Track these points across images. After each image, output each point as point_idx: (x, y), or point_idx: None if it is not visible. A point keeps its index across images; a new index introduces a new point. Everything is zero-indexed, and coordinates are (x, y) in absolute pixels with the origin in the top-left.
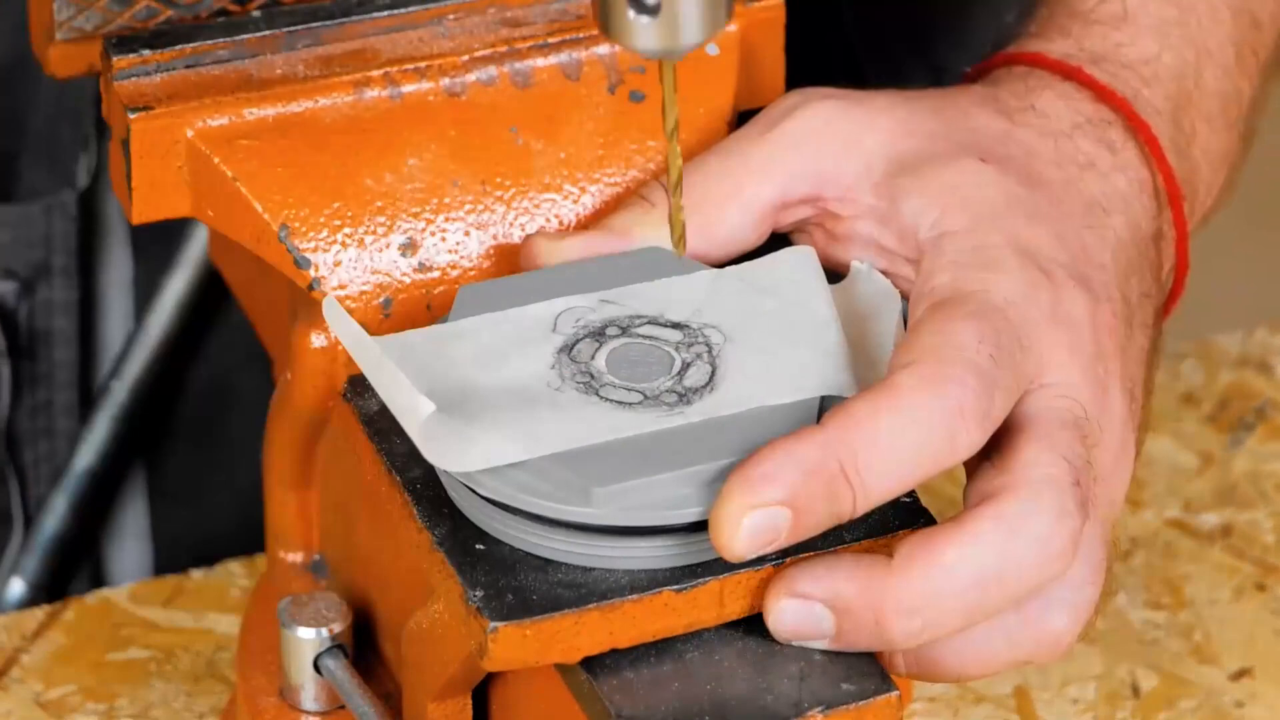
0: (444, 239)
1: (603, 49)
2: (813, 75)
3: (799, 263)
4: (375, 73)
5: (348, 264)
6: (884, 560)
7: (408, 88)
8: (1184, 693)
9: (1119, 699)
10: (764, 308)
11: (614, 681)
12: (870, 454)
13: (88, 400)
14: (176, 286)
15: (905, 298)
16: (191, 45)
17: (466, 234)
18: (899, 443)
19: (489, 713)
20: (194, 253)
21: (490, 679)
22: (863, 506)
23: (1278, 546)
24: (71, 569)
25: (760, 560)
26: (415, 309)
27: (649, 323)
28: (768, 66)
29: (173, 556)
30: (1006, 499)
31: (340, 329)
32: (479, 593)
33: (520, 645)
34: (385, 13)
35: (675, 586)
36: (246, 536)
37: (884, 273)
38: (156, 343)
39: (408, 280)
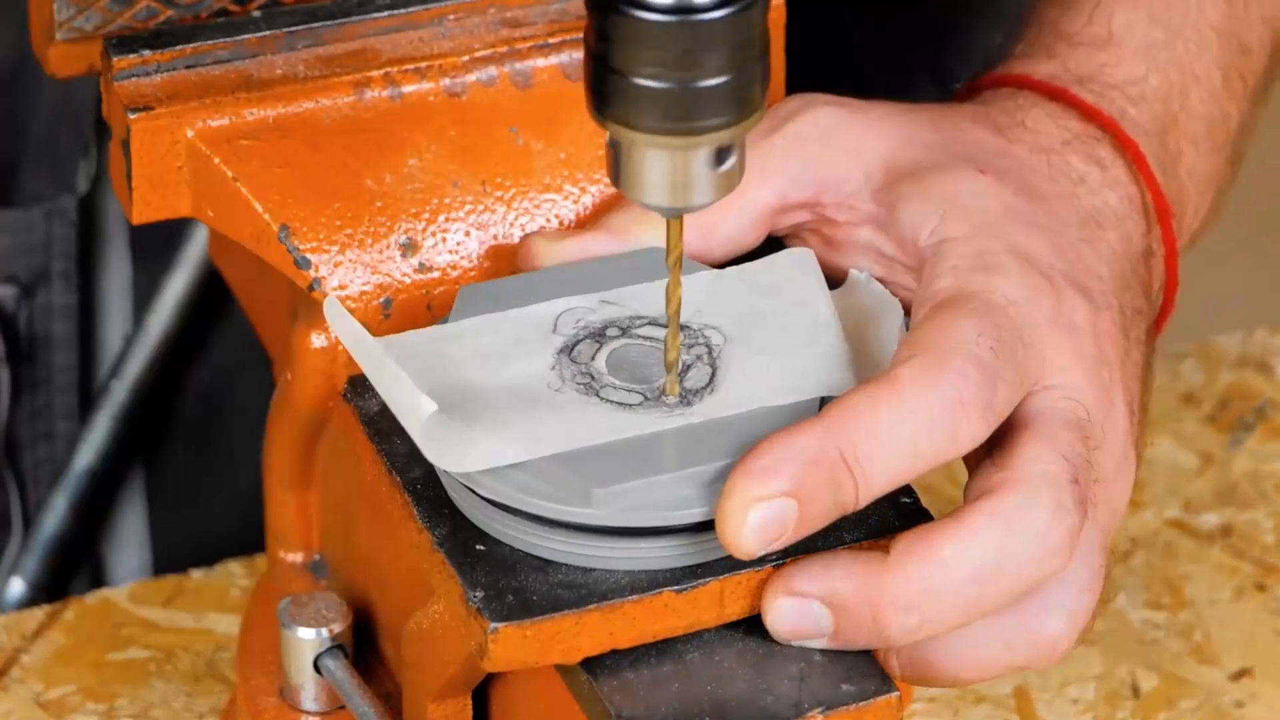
0: (444, 239)
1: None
2: (813, 78)
3: (799, 263)
4: (375, 73)
5: (348, 264)
6: (880, 556)
7: (408, 88)
8: (1184, 693)
9: (1119, 699)
10: (764, 308)
11: (614, 682)
12: (871, 444)
13: (87, 404)
14: (176, 287)
15: (905, 306)
16: (191, 45)
17: (466, 234)
18: (899, 433)
19: (489, 713)
20: (194, 253)
21: (490, 679)
22: (865, 497)
23: (1278, 546)
24: (71, 569)
25: (761, 560)
26: (415, 309)
27: (649, 323)
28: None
29: (171, 557)
30: (1004, 494)
31: (341, 329)
32: (479, 593)
33: (520, 646)
34: (385, 13)
35: (675, 587)
36: (245, 537)
37: (882, 280)
38: (156, 342)
39: (408, 280)
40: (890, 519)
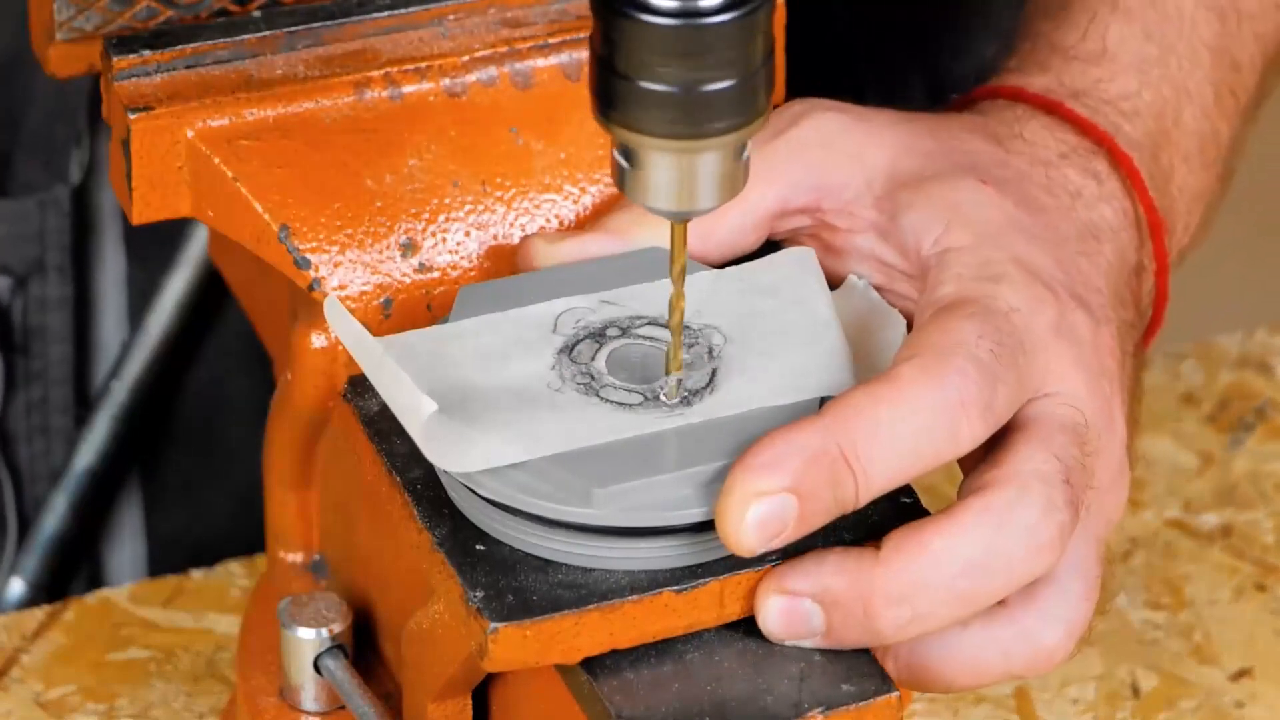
0: (444, 239)
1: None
2: (808, 79)
3: (799, 263)
4: (375, 73)
5: (348, 264)
6: (871, 552)
7: (408, 88)
8: (1184, 693)
9: (1119, 699)
10: (764, 308)
11: (614, 682)
12: (871, 442)
13: (83, 398)
14: (176, 286)
15: (907, 317)
16: (191, 45)
17: (466, 234)
18: (900, 431)
19: (489, 713)
20: (194, 253)
21: (490, 679)
22: (865, 495)
23: (1278, 546)
24: (71, 569)
25: (761, 559)
26: (415, 309)
27: (649, 323)
28: None
29: (170, 557)
30: (994, 491)
31: (342, 329)
32: (479, 593)
33: (520, 646)
34: (385, 13)
35: (675, 587)
36: (243, 537)
37: (880, 289)
38: (156, 343)
39: (408, 280)
40: (890, 519)
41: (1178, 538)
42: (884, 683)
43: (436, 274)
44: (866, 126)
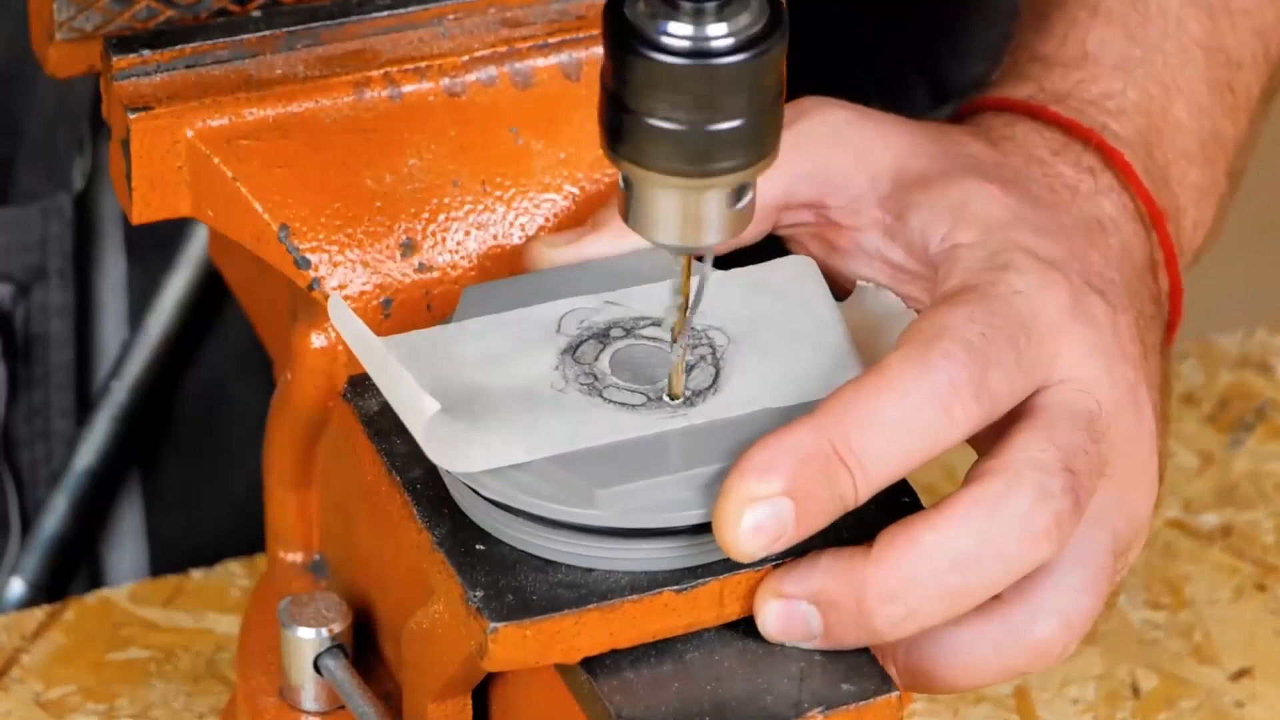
0: (444, 239)
1: (603, 49)
2: (806, 76)
3: (801, 268)
4: (375, 73)
5: (348, 264)
6: (864, 551)
7: (408, 88)
8: (1184, 693)
9: (1119, 699)
10: (767, 310)
11: (614, 682)
12: (864, 435)
13: (85, 404)
14: (176, 287)
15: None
16: (191, 45)
17: (466, 234)
18: (891, 419)
19: (489, 713)
20: (194, 253)
21: (490, 679)
22: (865, 489)
23: (1278, 546)
24: (71, 569)
25: (761, 560)
26: (415, 309)
27: (653, 324)
28: None
29: (169, 556)
30: (987, 481)
31: (345, 328)
32: (479, 593)
33: (520, 645)
34: (385, 13)
35: (675, 587)
36: (243, 537)
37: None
38: (156, 342)
39: (408, 280)
40: (890, 519)
41: (1178, 538)
42: (884, 682)
43: (436, 274)
44: (872, 125)
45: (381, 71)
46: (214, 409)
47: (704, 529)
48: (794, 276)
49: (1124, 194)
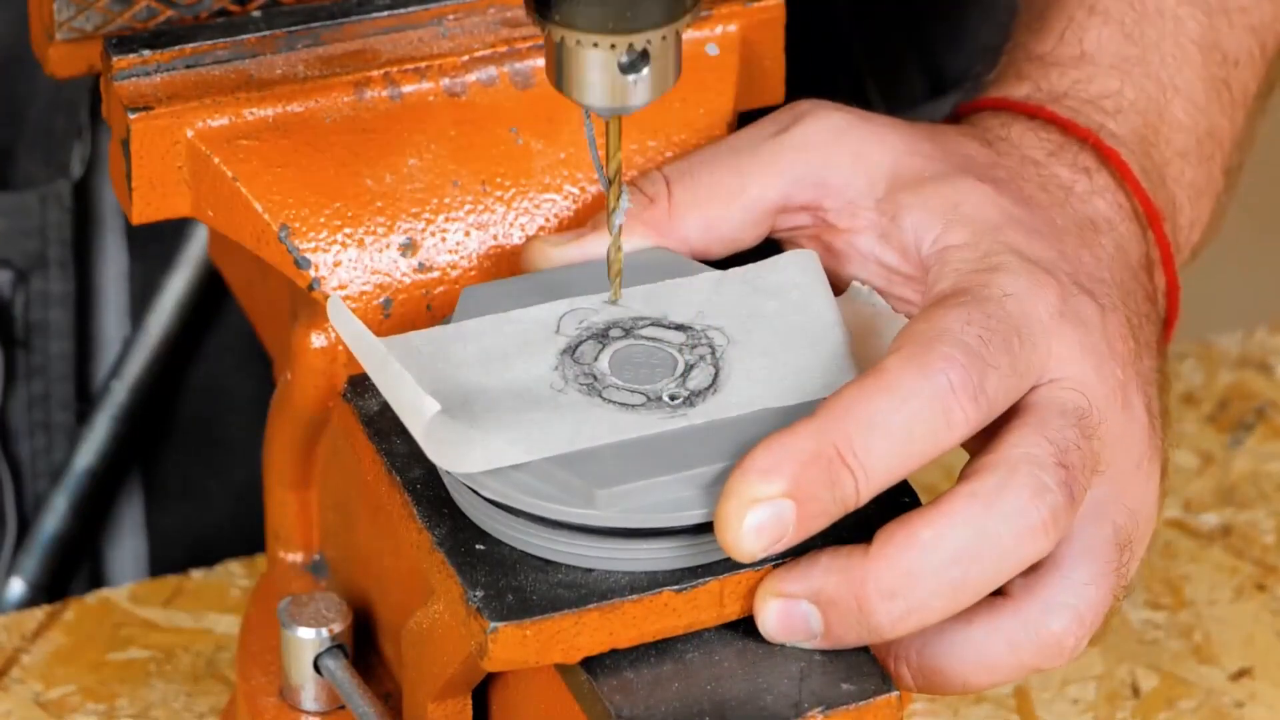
0: (444, 239)
1: None
2: (807, 70)
3: (802, 265)
4: (375, 73)
5: (348, 264)
6: (863, 549)
7: (408, 88)
8: (1184, 693)
9: (1119, 699)
10: (767, 310)
11: (614, 681)
12: (866, 436)
13: (84, 395)
14: (176, 286)
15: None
16: (191, 45)
17: (466, 234)
18: (892, 421)
19: (489, 713)
20: (194, 253)
21: (490, 679)
22: (867, 491)
23: (1278, 546)
24: (71, 569)
25: (761, 561)
26: (415, 309)
27: (652, 324)
28: (768, 66)
29: (168, 556)
30: (981, 477)
31: (344, 328)
32: (479, 593)
33: (520, 645)
34: (385, 13)
35: (675, 587)
36: (242, 536)
37: (881, 293)
38: (157, 343)
39: (408, 280)
40: (890, 519)
41: (1178, 538)
42: (884, 682)
43: (436, 274)
44: (869, 128)
45: (381, 71)
46: (214, 407)
47: (704, 529)
48: (794, 274)
49: (1120, 193)
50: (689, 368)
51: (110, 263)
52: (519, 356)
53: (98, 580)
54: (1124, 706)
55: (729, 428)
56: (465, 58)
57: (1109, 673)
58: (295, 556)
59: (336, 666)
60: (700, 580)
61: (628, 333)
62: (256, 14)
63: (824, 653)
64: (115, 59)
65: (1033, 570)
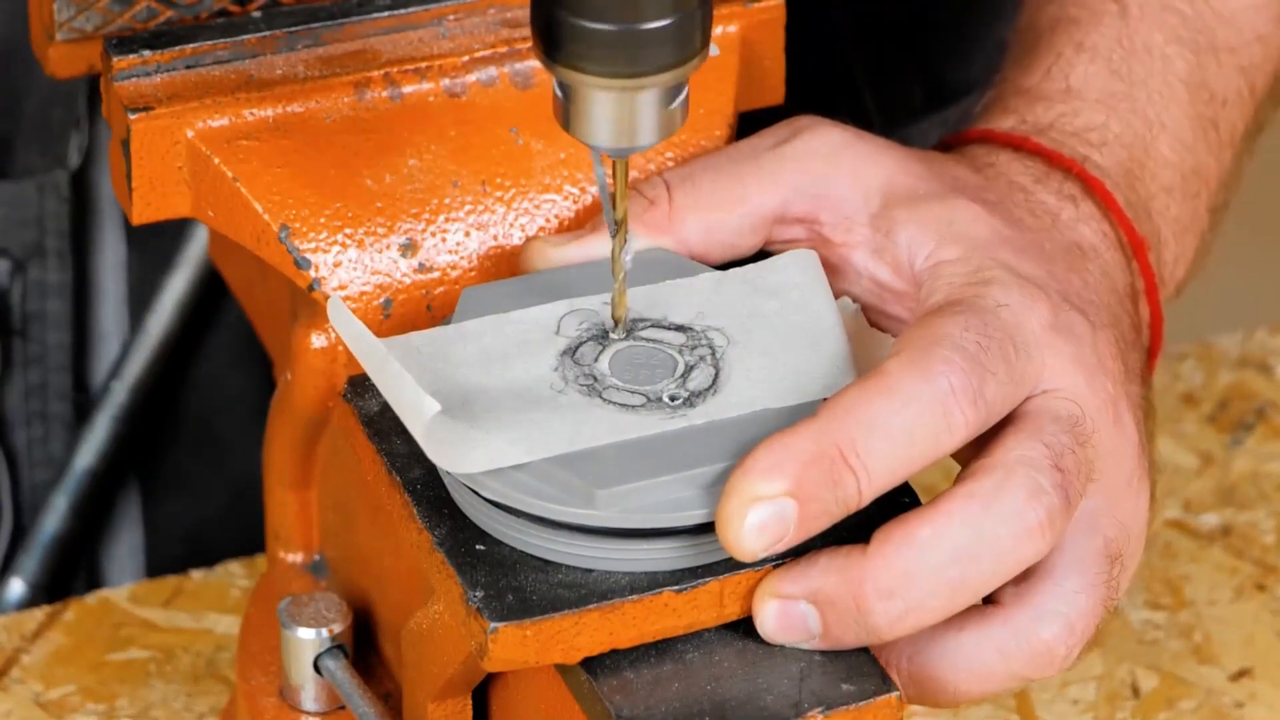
0: (444, 239)
1: None
2: (808, 89)
3: (802, 265)
4: (375, 73)
5: (348, 264)
6: (860, 549)
7: (408, 88)
8: (1184, 693)
9: (1119, 699)
10: (767, 310)
11: (614, 682)
12: (868, 438)
13: (81, 385)
14: (176, 286)
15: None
16: (191, 45)
17: (466, 234)
18: (894, 424)
19: (489, 713)
20: (194, 253)
21: (490, 679)
22: (869, 492)
23: (1278, 546)
24: (71, 569)
25: (761, 561)
26: (415, 309)
27: (652, 325)
28: (768, 67)
29: (167, 554)
30: (979, 478)
31: (344, 329)
32: (479, 593)
33: (520, 646)
34: (385, 13)
35: (675, 587)
36: (242, 536)
37: (872, 308)
38: (156, 343)
39: (408, 281)
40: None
41: (1177, 538)
42: (884, 682)
43: (436, 274)
44: (866, 145)
45: (381, 72)
46: (214, 406)
47: (704, 529)
48: (794, 275)
49: (1105, 222)
50: (689, 368)
51: (108, 253)
52: (519, 357)
53: (97, 580)
54: (1124, 707)
55: (729, 428)
56: (465, 58)
57: (1109, 673)
58: (295, 556)
59: (336, 666)
60: (700, 580)
61: (628, 334)
62: (256, 14)
63: (824, 653)
64: (115, 59)
65: (1024, 578)
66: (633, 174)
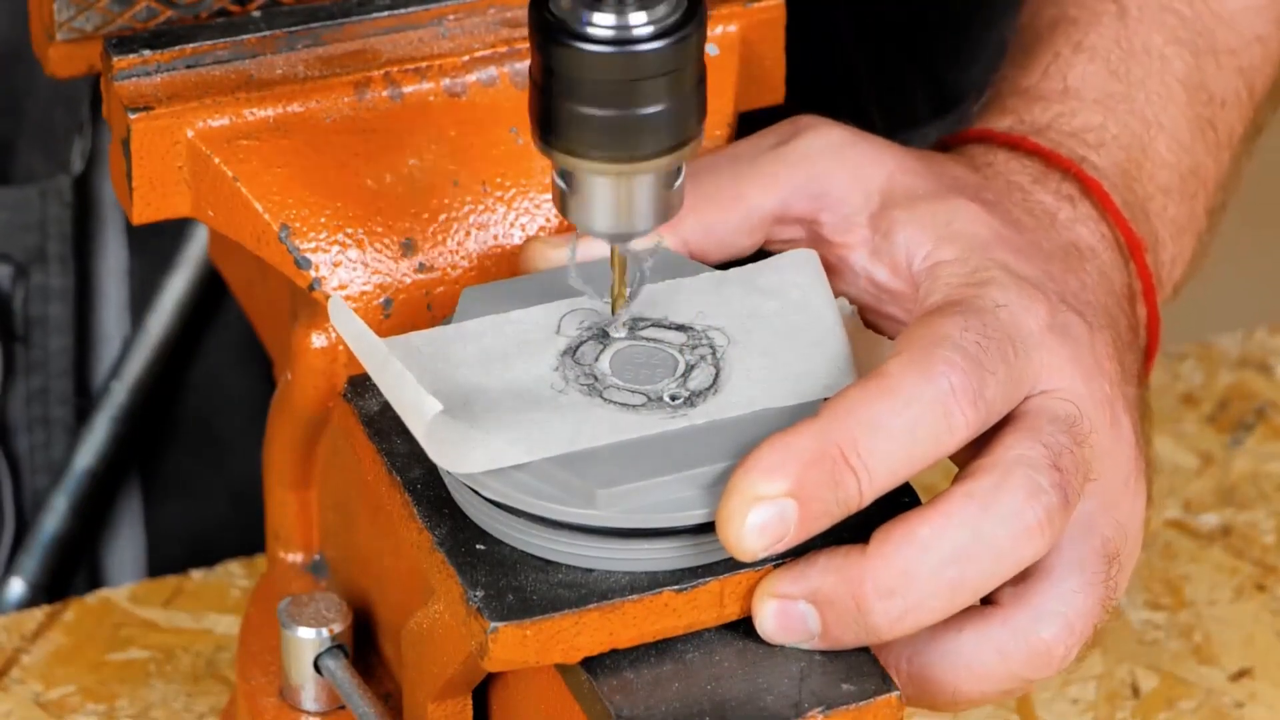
0: (444, 239)
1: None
2: (810, 92)
3: (802, 265)
4: (375, 73)
5: (348, 264)
6: (860, 549)
7: (408, 88)
8: (1184, 693)
9: (1119, 699)
10: (767, 310)
11: (614, 682)
12: (869, 438)
13: (83, 390)
14: (176, 286)
15: (894, 340)
16: (191, 45)
17: (466, 234)
18: (895, 424)
19: (489, 713)
20: (194, 253)
21: (490, 679)
22: (870, 492)
23: (1278, 546)
24: (71, 569)
25: (762, 561)
26: (415, 309)
27: (653, 325)
28: (768, 66)
29: (167, 554)
30: (978, 477)
31: (345, 328)
32: (479, 593)
33: (520, 645)
34: (385, 13)
35: (675, 587)
36: (241, 536)
37: (870, 309)
38: (157, 343)
39: (408, 280)
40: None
41: (1177, 538)
42: (884, 682)
43: (436, 274)
44: (866, 145)
45: (382, 71)
46: (214, 406)
47: (705, 529)
48: (794, 274)
49: (1102, 224)
50: (689, 368)
51: (110, 258)
52: (519, 357)
53: (97, 580)
54: (1124, 707)
55: (729, 428)
56: (465, 58)
57: (1109, 673)
58: (295, 556)
59: (336, 666)
60: (700, 580)
61: (628, 333)
62: (256, 14)
63: (824, 653)
64: (115, 59)
65: (1022, 578)
66: None
